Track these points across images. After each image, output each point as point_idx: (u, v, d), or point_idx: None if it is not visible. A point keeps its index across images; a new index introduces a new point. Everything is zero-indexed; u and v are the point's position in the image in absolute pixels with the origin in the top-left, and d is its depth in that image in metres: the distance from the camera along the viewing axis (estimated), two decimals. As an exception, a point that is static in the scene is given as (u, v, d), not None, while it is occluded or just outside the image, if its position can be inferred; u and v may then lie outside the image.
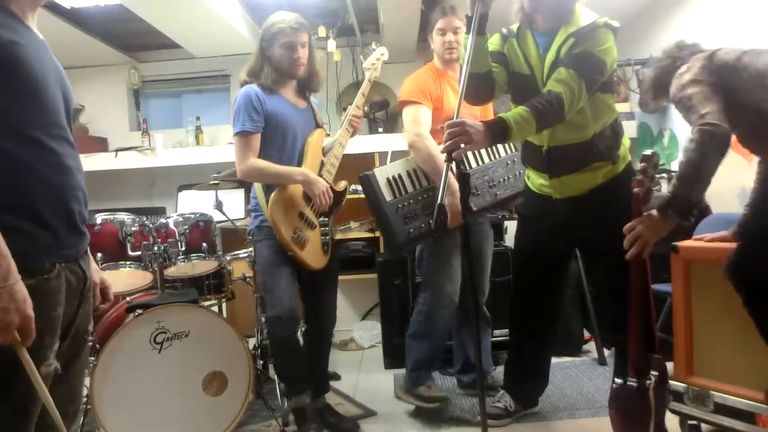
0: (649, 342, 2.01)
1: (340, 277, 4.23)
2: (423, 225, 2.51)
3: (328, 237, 2.53)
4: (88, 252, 1.42)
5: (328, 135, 2.68)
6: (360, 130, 2.73)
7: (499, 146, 2.74)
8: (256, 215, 2.51)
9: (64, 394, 1.33)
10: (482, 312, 2.94)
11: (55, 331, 1.25)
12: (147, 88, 4.91)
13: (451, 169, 1.86)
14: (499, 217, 3.46)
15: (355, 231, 4.23)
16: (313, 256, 2.46)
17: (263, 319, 2.95)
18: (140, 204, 4.55)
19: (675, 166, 3.66)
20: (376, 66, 2.69)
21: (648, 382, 1.83)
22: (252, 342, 3.22)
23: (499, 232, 3.49)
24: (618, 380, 1.89)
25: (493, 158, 2.73)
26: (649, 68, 2.17)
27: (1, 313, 1.07)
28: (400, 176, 2.56)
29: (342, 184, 2.60)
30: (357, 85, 4.59)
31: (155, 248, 2.71)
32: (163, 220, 2.82)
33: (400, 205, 2.50)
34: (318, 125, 2.60)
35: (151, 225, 2.77)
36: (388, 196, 2.50)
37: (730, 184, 3.10)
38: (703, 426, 2.12)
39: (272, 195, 2.37)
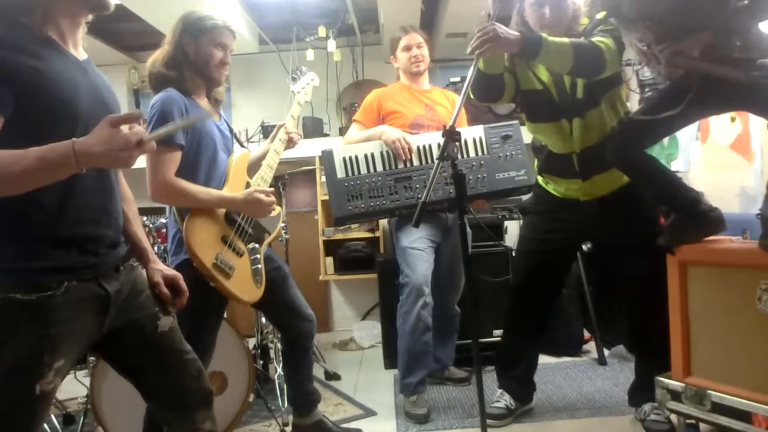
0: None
1: (340, 277, 4.32)
2: (363, 206, 2.69)
3: (260, 266, 2.15)
4: (129, 264, 1.46)
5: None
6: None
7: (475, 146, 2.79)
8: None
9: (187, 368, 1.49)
10: (454, 309, 3.04)
11: (56, 349, 1.24)
12: (147, 88, 4.85)
13: (449, 169, 1.88)
14: (499, 217, 3.46)
15: (355, 231, 4.24)
16: (241, 287, 2.04)
17: None
18: (140, 204, 4.43)
19: (675, 166, 3.66)
20: (306, 90, 2.57)
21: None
22: (252, 342, 3.23)
23: (499, 232, 3.49)
24: None
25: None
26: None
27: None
28: (356, 157, 2.73)
29: (276, 210, 2.27)
30: (357, 85, 4.59)
31: (155, 248, 2.71)
32: (163, 220, 2.82)
33: (346, 184, 2.70)
34: (239, 142, 2.35)
35: (151, 225, 2.78)
36: (340, 173, 2.71)
37: (730, 184, 3.11)
38: (702, 425, 2.13)
39: (188, 215, 1.98)
